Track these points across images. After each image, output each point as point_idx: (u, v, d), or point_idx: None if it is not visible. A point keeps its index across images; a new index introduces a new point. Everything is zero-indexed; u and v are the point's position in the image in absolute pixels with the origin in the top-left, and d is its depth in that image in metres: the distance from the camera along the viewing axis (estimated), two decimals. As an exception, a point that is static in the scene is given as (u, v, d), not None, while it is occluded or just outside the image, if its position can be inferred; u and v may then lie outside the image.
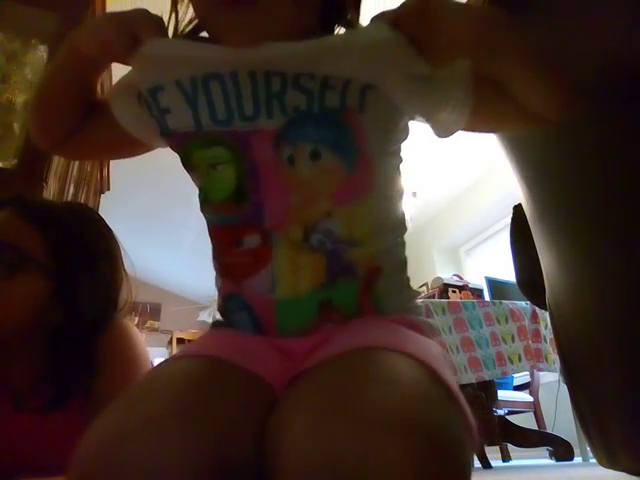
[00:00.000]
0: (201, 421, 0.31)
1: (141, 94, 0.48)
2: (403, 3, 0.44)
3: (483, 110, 0.48)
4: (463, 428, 0.31)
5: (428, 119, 0.49)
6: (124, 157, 0.59)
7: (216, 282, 0.52)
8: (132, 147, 0.55)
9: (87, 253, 0.77)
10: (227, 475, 0.30)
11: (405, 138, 0.50)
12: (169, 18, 0.52)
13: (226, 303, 0.50)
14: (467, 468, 0.29)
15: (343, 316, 0.44)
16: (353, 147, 0.45)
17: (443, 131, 0.49)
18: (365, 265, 0.46)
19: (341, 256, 0.45)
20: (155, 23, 0.47)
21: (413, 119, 0.50)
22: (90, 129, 0.53)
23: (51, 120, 0.52)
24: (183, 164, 0.49)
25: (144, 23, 0.45)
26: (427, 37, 0.43)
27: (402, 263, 0.50)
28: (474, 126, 0.50)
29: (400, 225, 0.51)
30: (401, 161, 0.51)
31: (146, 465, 0.28)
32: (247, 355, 0.41)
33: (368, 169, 0.46)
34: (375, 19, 0.45)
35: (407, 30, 0.43)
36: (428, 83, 0.46)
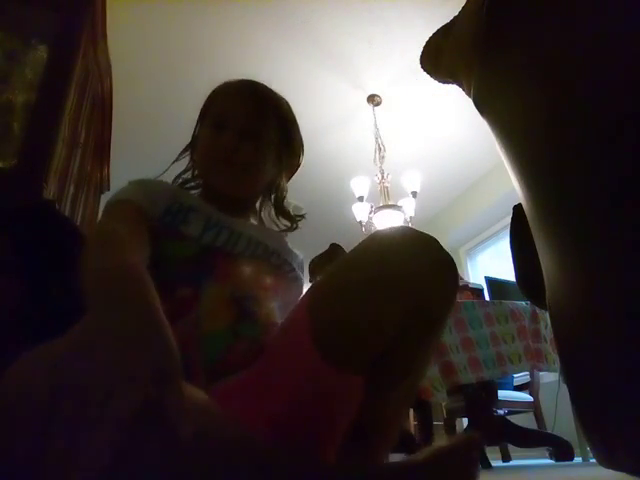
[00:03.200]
0: None
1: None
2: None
3: None
4: None
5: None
6: None
7: None
8: None
9: (53, 252, 0.76)
10: None
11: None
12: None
13: None
14: None
15: (252, 340, 0.60)
16: (278, 268, 0.75)
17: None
18: (264, 319, 0.63)
19: (248, 306, 0.63)
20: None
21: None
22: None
23: None
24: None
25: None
26: None
27: None
28: None
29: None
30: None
31: None
32: None
33: (278, 283, 0.73)
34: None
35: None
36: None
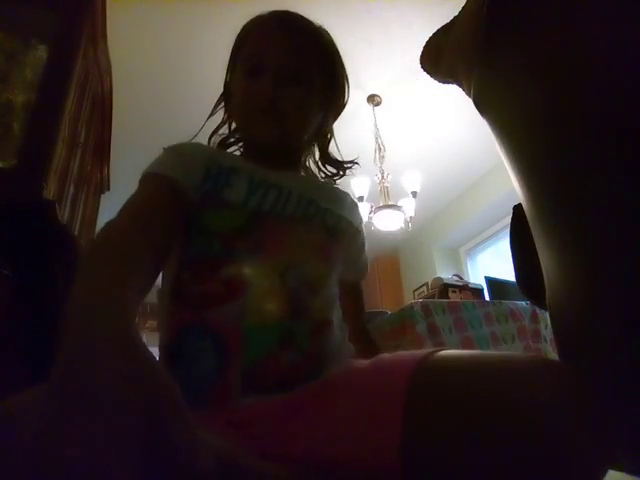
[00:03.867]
0: None
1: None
2: None
3: None
4: None
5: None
6: None
7: (164, 318, 0.56)
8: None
9: (42, 253, 0.75)
10: None
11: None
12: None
13: (181, 336, 0.53)
14: None
15: (298, 347, 0.52)
16: (335, 230, 0.65)
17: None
18: (317, 314, 0.56)
19: (301, 298, 0.54)
20: None
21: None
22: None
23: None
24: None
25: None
26: None
27: (342, 324, 0.63)
28: None
29: (336, 300, 0.64)
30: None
31: None
32: None
33: (336, 248, 0.64)
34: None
35: None
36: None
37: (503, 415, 0.37)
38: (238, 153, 0.71)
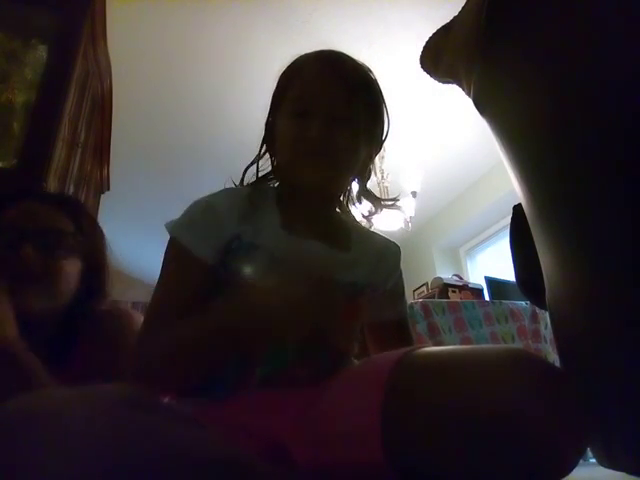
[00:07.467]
0: None
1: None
2: None
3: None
4: None
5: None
6: None
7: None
8: None
9: (94, 239, 0.84)
10: None
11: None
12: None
13: None
14: None
15: (315, 366, 0.57)
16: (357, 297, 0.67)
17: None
18: (338, 345, 0.60)
19: (323, 334, 0.57)
20: None
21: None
22: None
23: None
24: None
25: None
26: None
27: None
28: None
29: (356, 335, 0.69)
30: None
31: None
32: None
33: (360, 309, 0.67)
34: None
35: None
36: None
37: (470, 416, 0.37)
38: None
